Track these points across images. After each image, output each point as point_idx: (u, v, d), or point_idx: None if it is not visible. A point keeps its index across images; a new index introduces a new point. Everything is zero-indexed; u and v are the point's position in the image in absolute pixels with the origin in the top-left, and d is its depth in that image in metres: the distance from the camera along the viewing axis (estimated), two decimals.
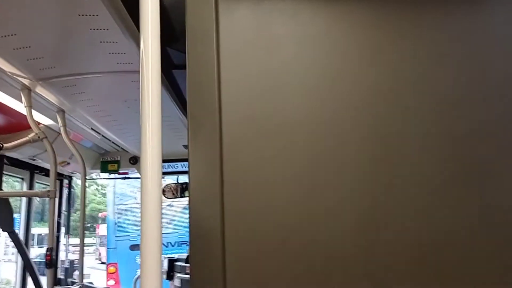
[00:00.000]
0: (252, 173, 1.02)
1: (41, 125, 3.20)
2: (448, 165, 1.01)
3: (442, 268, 0.96)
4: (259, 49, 1.07)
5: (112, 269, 6.57)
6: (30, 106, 2.71)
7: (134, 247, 6.96)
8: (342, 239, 0.98)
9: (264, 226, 1.00)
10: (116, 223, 7.17)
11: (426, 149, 1.02)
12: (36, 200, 4.37)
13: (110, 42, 2.04)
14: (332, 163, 1.02)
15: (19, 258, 3.64)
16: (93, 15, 1.76)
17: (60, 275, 4.30)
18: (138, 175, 4.70)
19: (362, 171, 1.02)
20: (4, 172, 3.50)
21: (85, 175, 3.40)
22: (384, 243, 0.98)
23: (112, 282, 6.52)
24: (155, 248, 0.93)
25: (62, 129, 3.11)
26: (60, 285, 4.04)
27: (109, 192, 7.43)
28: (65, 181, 4.63)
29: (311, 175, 1.02)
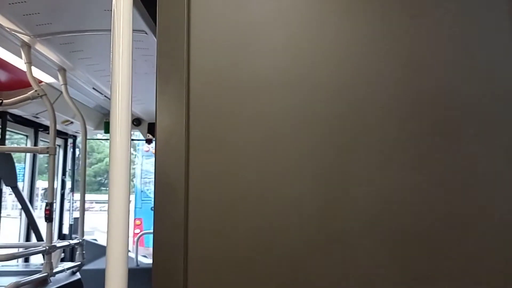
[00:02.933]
0: (217, 128, 1.03)
1: (43, 83, 3.23)
2: (412, 125, 1.00)
3: (400, 227, 0.97)
4: (230, 5, 1.06)
5: (138, 222, 9.32)
6: (29, 63, 2.73)
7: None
8: (302, 194, 0.99)
9: (226, 178, 1.01)
10: (142, 191, 10.07)
11: (392, 108, 1.01)
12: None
13: None
14: (297, 119, 1.02)
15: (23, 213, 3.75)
16: None
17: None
18: (142, 136, 4.75)
19: (326, 129, 1.01)
20: (8, 128, 3.57)
21: (86, 134, 3.44)
22: (343, 201, 0.99)
23: (138, 230, 8.94)
24: (123, 206, 0.95)
25: (63, 87, 3.13)
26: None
27: (137, 169, 10.52)
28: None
29: (275, 131, 1.02)
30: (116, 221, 0.95)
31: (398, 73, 1.02)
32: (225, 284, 0.98)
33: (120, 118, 0.96)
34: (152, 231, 1.02)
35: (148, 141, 5.11)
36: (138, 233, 8.83)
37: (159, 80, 1.02)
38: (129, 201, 1.00)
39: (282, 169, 1.00)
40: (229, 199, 1.00)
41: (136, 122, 4.47)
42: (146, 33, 2.21)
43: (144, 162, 10.36)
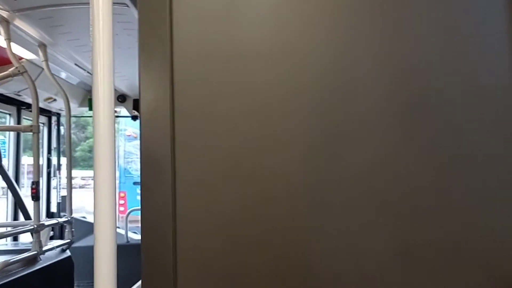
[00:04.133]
0: (203, 101, 1.01)
1: (23, 59, 3.15)
2: (403, 97, 0.99)
3: (387, 198, 0.98)
4: None
5: (122, 194, 11.31)
6: (9, 39, 2.66)
7: (136, 183, 11.33)
8: (290, 166, 0.99)
9: (213, 152, 1.00)
10: (125, 169, 11.97)
11: (383, 79, 1.00)
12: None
13: None
14: (285, 90, 1.00)
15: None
16: None
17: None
18: (127, 113, 4.69)
19: (315, 101, 1.00)
20: None
21: (69, 112, 3.39)
22: (332, 173, 0.99)
23: (122, 201, 11.08)
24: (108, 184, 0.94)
25: (44, 64, 3.07)
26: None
27: (121, 151, 12.29)
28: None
29: (263, 102, 1.00)
30: (103, 198, 0.95)
31: (390, 44, 1.00)
32: (215, 260, 0.99)
33: (103, 94, 0.94)
34: (139, 208, 1.02)
35: (134, 118, 5.04)
36: (123, 204, 11.10)
37: (141, 54, 1.00)
38: (115, 179, 0.99)
39: (270, 141, 1.00)
40: (217, 173, 1.00)
41: (121, 98, 4.40)
42: (127, 6, 2.16)
43: (127, 145, 12.42)
